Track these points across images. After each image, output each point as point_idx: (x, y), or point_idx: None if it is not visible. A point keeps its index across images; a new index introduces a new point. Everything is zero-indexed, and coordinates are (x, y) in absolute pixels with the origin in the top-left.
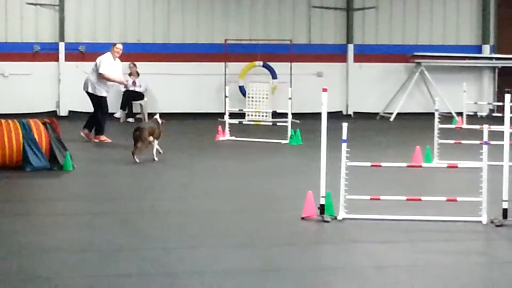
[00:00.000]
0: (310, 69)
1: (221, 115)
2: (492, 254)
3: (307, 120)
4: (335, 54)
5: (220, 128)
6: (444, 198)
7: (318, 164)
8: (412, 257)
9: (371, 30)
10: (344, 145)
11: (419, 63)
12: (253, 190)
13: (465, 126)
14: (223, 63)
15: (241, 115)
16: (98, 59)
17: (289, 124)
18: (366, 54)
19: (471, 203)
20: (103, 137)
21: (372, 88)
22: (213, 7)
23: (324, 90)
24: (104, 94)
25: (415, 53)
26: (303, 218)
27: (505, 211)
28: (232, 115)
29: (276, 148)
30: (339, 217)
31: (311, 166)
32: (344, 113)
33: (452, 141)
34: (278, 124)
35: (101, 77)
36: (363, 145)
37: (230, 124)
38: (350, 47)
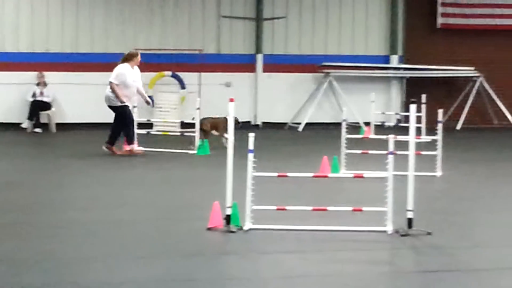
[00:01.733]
0: (219, 79)
1: None
2: (397, 263)
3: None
4: (244, 64)
5: (127, 138)
6: (350, 208)
7: (225, 174)
8: (319, 267)
9: (280, 40)
10: (250, 155)
11: (327, 73)
12: (160, 200)
13: (372, 136)
14: None
15: (149, 125)
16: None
17: (197, 134)
18: (275, 64)
19: (377, 213)
20: (133, 147)
21: (281, 98)
22: (123, 16)
23: (231, 100)
24: (118, 104)
25: (324, 63)
26: (209, 229)
27: (409, 221)
28: (141, 125)
29: (184, 158)
30: (245, 228)
31: (218, 176)
32: (253, 123)
33: (359, 151)
34: (186, 134)
35: (111, 87)
36: (271, 155)
37: (138, 134)
38: (259, 57)
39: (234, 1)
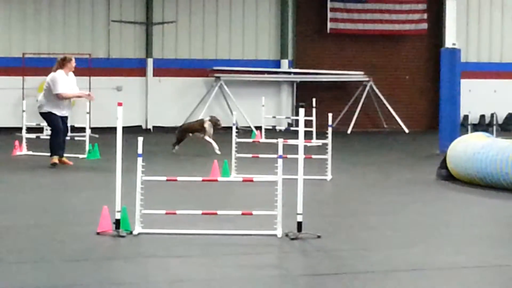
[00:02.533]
0: (110, 83)
1: (19, 129)
2: (286, 267)
3: (106, 134)
4: (134, 68)
5: (17, 142)
6: (239, 212)
7: (115, 178)
8: (209, 271)
9: (170, 44)
10: (139, 160)
11: (218, 78)
12: (48, 205)
13: (263, 140)
14: (21, 77)
15: (39, 129)
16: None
17: (87, 139)
18: (166, 68)
19: (267, 216)
20: (55, 159)
21: (172, 102)
22: (10, 19)
23: (120, 104)
24: (47, 110)
25: (215, 68)
26: (98, 233)
27: (299, 224)
28: (30, 130)
29: (74, 162)
30: (135, 232)
31: (108, 181)
32: (144, 127)
33: (249, 155)
34: (76, 138)
35: (59, 97)
36: (161, 159)
37: (27, 138)
38: (150, 61)
39: (124, 5)
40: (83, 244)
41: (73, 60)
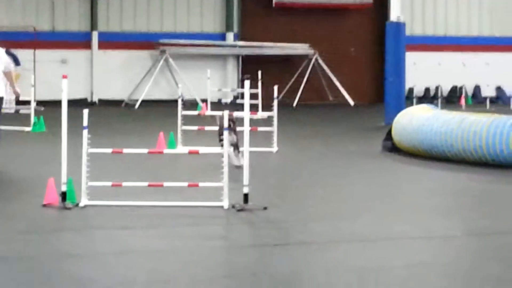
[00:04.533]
0: (55, 57)
1: None
2: (233, 238)
3: (51, 107)
4: (79, 41)
5: None
6: (186, 184)
7: (61, 151)
8: (155, 242)
9: (115, 17)
10: (85, 132)
11: (163, 51)
12: None
13: (208, 112)
14: None
15: None
16: None
17: (32, 112)
18: (111, 41)
19: (213, 188)
20: None
21: (117, 75)
22: None
23: (64, 77)
24: None
25: (160, 41)
26: (44, 205)
27: (246, 196)
28: None
29: (19, 135)
30: (81, 204)
31: (54, 153)
32: (89, 100)
33: (195, 127)
34: (21, 111)
35: None
36: (107, 132)
37: None
38: (95, 34)
39: None
40: (29, 217)
41: None
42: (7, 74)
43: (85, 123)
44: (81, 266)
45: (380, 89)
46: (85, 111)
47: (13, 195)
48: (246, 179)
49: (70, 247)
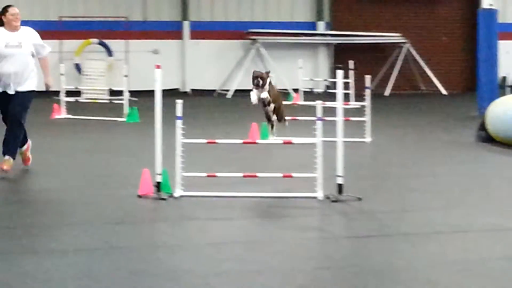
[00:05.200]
0: (146, 46)
1: (57, 93)
2: (327, 229)
3: (144, 97)
4: (171, 31)
5: (55, 106)
6: (280, 175)
7: (155, 141)
8: (250, 233)
9: (206, 6)
10: (179, 122)
11: (255, 40)
12: (89, 168)
13: (301, 102)
14: (58, 41)
15: (77, 93)
16: None
17: (125, 102)
18: (202, 30)
19: (307, 179)
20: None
21: (209, 65)
22: None
23: (157, 66)
24: None
25: (251, 30)
26: (139, 196)
27: (339, 187)
28: (68, 93)
29: (113, 126)
30: (176, 195)
31: (148, 144)
32: (181, 90)
33: (288, 118)
34: (114, 101)
35: None
36: (200, 122)
37: (66, 102)
38: (186, 24)
39: None
40: (124, 207)
41: (12, 10)
42: (42, 61)
43: (178, 113)
44: (176, 256)
45: (473, 78)
46: (179, 102)
47: (107, 185)
48: (340, 170)
49: (165, 237)
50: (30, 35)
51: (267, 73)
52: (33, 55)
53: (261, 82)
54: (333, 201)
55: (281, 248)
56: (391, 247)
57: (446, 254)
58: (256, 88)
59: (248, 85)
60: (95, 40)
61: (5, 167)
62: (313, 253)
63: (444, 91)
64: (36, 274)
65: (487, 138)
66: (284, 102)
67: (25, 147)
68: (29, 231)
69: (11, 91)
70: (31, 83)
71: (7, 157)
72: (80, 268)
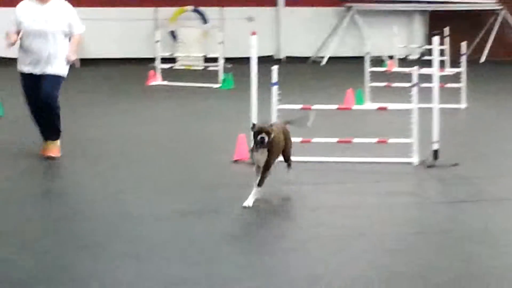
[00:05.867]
0: (241, 14)
1: (152, 60)
2: (423, 194)
3: (239, 64)
4: None
5: (151, 73)
6: (375, 140)
7: (249, 107)
8: (344, 198)
9: None
10: (274, 88)
11: (349, 7)
12: (185, 134)
13: (396, 69)
14: (152, 8)
15: (172, 60)
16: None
17: (220, 68)
18: None
19: (402, 145)
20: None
21: (304, 32)
22: None
23: (253, 33)
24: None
25: None
26: (234, 161)
27: (435, 152)
28: (164, 60)
29: (208, 92)
30: None
31: (243, 110)
32: (276, 57)
33: (383, 84)
34: (209, 68)
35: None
36: (295, 88)
37: (161, 69)
38: None
39: None
40: (220, 172)
41: None
42: (72, 38)
43: (274, 79)
44: (271, 221)
45: None
46: (274, 68)
47: (203, 150)
48: (435, 135)
49: (259, 202)
50: (63, 10)
51: (271, 125)
52: (65, 35)
53: (266, 139)
54: (428, 167)
55: (375, 213)
56: (487, 213)
57: None
58: (260, 147)
59: (342, 51)
60: (190, 7)
61: (52, 154)
62: (408, 218)
63: None
64: (131, 238)
65: None
66: (379, 69)
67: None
68: (119, 195)
69: (38, 72)
70: (61, 66)
71: (49, 141)
72: (176, 231)
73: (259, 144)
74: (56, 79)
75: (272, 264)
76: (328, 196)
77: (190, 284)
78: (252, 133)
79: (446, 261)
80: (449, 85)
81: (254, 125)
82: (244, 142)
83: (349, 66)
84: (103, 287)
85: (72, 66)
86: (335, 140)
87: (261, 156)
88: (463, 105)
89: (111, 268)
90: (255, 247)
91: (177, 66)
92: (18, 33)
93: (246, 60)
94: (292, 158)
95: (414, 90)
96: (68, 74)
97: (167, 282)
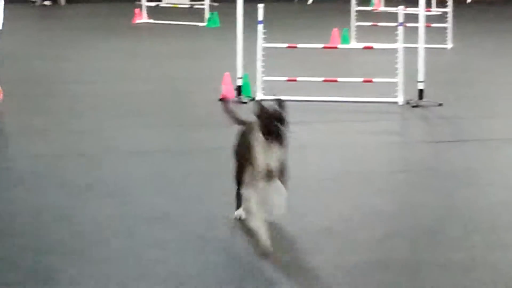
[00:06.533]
0: None
1: None
2: (408, 134)
3: (225, 3)
4: None
5: (137, 11)
6: (360, 80)
7: (235, 46)
8: (328, 137)
9: None
10: (260, 27)
11: None
12: (170, 72)
13: (382, 8)
14: None
15: None
16: None
17: (206, 7)
18: None
19: (387, 84)
20: None
21: None
22: None
23: None
24: None
25: None
26: (220, 99)
27: (420, 92)
28: None
29: (194, 30)
30: (257, 98)
31: (229, 48)
32: None
33: (369, 23)
34: (195, 7)
35: None
36: (280, 28)
37: (147, 7)
38: None
39: None
40: (204, 110)
41: None
42: None
43: (260, 17)
44: None
45: None
46: (260, 6)
47: (189, 89)
48: (421, 75)
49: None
50: None
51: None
52: None
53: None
54: (413, 106)
55: (360, 152)
56: (471, 152)
57: None
58: (275, 140)
59: None
60: None
61: None
62: (393, 157)
63: None
64: (116, 173)
65: None
66: (365, 8)
67: None
68: (103, 132)
69: None
70: None
71: None
72: (156, 168)
73: (273, 136)
74: None
75: None
76: (312, 135)
77: (173, 218)
78: (256, 118)
79: (431, 200)
80: (435, 25)
81: (261, 106)
82: (229, 80)
83: (335, 5)
84: (84, 224)
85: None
86: (320, 79)
87: (273, 154)
88: (449, 45)
89: (94, 207)
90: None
91: (163, 4)
92: None
93: None
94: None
95: (400, 30)
96: (53, 12)
97: (149, 217)
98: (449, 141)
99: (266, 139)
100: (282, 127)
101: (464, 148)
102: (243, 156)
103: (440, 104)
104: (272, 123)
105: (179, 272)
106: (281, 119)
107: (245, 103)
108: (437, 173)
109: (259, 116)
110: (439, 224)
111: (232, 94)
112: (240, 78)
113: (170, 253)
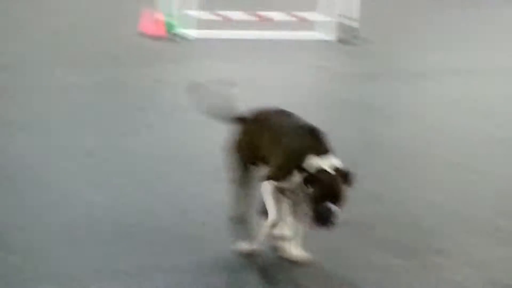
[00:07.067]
0: None
1: None
2: (338, 69)
3: None
4: None
5: None
6: (296, 19)
7: None
8: (258, 72)
9: None
10: None
11: None
12: (89, 8)
13: None
14: None
15: None
16: None
17: None
18: None
19: (323, 22)
20: None
21: None
22: None
23: None
24: None
25: None
26: (140, 34)
27: (353, 30)
28: None
29: None
30: (191, 37)
31: None
32: None
33: None
34: None
35: None
36: None
37: None
38: None
39: None
40: (126, 45)
41: None
42: None
43: None
44: (177, 93)
45: None
46: None
47: (110, 24)
48: (355, 12)
49: (166, 74)
50: None
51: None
52: None
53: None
54: (345, 44)
55: (289, 86)
56: (395, 87)
57: (443, 94)
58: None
59: None
60: None
61: None
62: (320, 91)
63: None
64: (39, 110)
65: None
66: None
67: None
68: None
69: None
70: None
71: None
72: (86, 103)
73: (323, 222)
74: None
75: (191, 143)
76: (244, 72)
77: (106, 153)
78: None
79: (348, 132)
80: None
81: (310, 176)
82: (149, 15)
83: None
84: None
85: None
86: (253, 18)
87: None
88: None
89: (18, 141)
90: (168, 118)
91: None
92: None
93: None
94: (207, 35)
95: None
96: None
97: (81, 154)
98: (376, 76)
99: (312, 222)
100: (336, 211)
101: (388, 83)
102: (251, 154)
103: (370, 42)
104: (327, 207)
105: None
106: (338, 198)
107: (177, 42)
108: (358, 107)
109: (311, 184)
110: (359, 156)
111: (152, 30)
112: (161, 12)
113: None
